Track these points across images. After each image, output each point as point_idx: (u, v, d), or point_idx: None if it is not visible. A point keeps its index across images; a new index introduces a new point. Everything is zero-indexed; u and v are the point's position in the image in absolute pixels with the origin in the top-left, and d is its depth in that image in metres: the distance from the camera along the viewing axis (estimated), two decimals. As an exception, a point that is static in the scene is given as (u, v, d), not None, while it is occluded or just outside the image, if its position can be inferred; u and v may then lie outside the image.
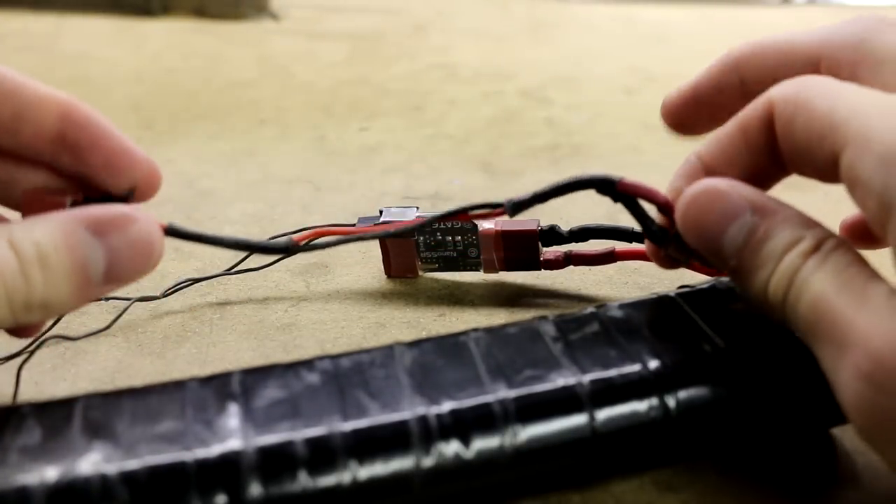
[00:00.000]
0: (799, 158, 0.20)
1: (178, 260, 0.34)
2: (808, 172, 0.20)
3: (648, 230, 0.22)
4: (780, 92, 0.20)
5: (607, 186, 0.21)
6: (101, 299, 0.29)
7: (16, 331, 0.23)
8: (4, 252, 0.18)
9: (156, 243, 0.20)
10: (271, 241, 0.22)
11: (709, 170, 0.22)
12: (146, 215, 0.20)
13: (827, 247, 0.18)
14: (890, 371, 0.16)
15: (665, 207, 0.22)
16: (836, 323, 0.17)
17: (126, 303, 0.30)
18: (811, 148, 0.19)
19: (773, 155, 0.21)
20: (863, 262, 0.18)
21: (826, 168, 0.19)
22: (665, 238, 0.22)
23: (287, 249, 0.22)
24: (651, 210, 0.22)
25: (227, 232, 0.36)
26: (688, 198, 0.20)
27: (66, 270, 0.19)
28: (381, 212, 0.31)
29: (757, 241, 0.19)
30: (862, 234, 0.24)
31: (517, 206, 0.21)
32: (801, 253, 0.19)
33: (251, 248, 0.22)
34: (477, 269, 0.31)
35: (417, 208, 0.31)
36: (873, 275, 0.18)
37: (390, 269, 0.32)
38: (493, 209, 0.22)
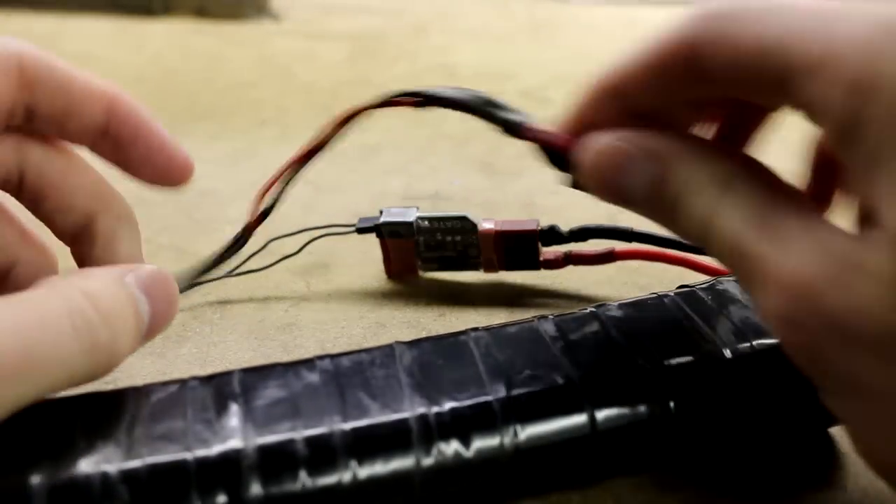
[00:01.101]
0: (730, 83, 0.18)
1: (179, 260, 0.34)
2: (737, 94, 0.18)
3: (551, 158, 0.22)
4: (704, 11, 0.18)
5: (513, 129, 0.22)
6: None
7: None
8: (85, 306, 0.18)
9: (177, 294, 0.21)
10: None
11: (614, 93, 0.20)
12: (167, 273, 0.21)
13: (732, 179, 0.18)
14: (803, 309, 0.16)
15: (567, 148, 0.21)
16: (751, 262, 0.17)
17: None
18: (745, 71, 0.17)
19: (689, 79, 0.19)
20: (774, 188, 0.18)
21: (766, 91, 0.17)
22: (567, 167, 0.21)
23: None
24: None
25: (228, 232, 0.36)
26: (584, 159, 0.20)
27: (129, 326, 0.19)
28: (381, 212, 0.31)
29: (660, 189, 0.19)
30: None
31: (431, 99, 0.22)
32: (706, 192, 0.18)
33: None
34: (477, 269, 0.31)
35: (418, 208, 0.31)
36: (786, 202, 0.17)
37: (390, 270, 0.32)
38: (411, 96, 0.23)
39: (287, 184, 0.25)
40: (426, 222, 0.30)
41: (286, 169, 0.26)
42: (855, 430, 0.17)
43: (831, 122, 0.16)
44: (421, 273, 0.32)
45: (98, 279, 0.19)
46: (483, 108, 0.22)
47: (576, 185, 0.21)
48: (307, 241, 0.32)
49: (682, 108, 0.20)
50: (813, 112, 0.16)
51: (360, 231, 0.31)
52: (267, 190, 0.26)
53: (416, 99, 0.23)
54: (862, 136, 0.15)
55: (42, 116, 0.21)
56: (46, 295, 0.18)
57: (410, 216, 0.30)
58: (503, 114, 0.22)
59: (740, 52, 0.17)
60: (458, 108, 0.22)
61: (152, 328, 0.20)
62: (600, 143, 0.20)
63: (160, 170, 0.23)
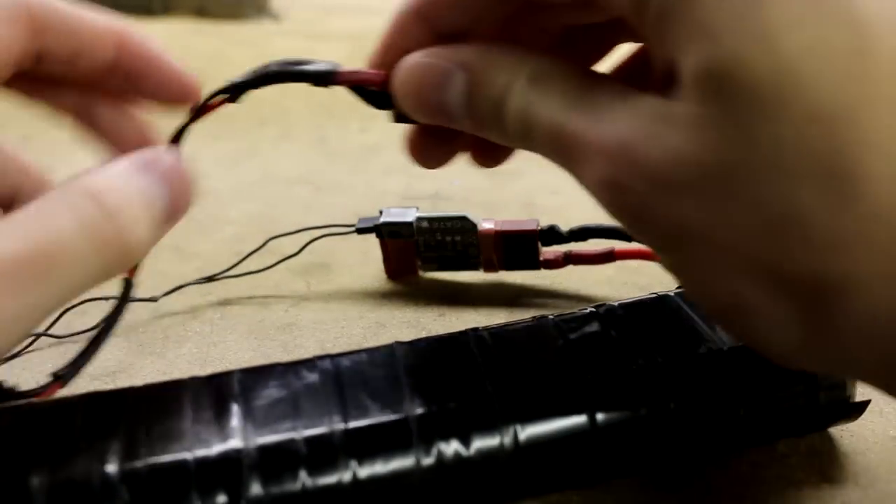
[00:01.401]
0: None
1: (179, 260, 0.34)
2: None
3: (369, 99, 0.21)
4: None
5: (326, 78, 0.21)
6: (100, 299, 0.29)
7: None
8: (88, 205, 0.18)
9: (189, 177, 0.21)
10: None
11: (422, 11, 0.20)
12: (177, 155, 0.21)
13: (545, 72, 0.18)
14: (624, 170, 0.16)
15: (382, 82, 0.21)
16: (571, 139, 0.17)
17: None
18: None
19: None
20: (587, 76, 0.18)
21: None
22: (388, 103, 0.21)
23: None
24: None
25: (228, 232, 0.36)
26: (397, 84, 0.20)
27: (139, 217, 0.19)
28: (381, 212, 0.31)
29: (477, 96, 0.19)
30: None
31: (238, 87, 0.22)
32: (521, 89, 0.18)
33: None
34: (477, 269, 0.31)
35: (417, 208, 0.31)
36: (599, 84, 0.18)
37: (390, 270, 0.32)
38: (219, 95, 0.22)
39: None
40: (426, 222, 0.30)
41: None
42: (690, 280, 0.17)
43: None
44: (421, 273, 0.32)
45: (102, 174, 0.19)
46: (290, 71, 0.21)
47: (399, 118, 0.21)
48: (307, 241, 0.32)
49: (496, 28, 0.21)
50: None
51: (360, 231, 0.31)
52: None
53: (225, 95, 0.21)
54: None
55: (52, 60, 0.21)
56: (51, 200, 0.18)
57: (410, 216, 0.30)
58: (310, 68, 0.21)
59: None
60: (266, 82, 0.21)
61: (171, 213, 0.20)
62: (410, 63, 0.20)
63: (173, 94, 0.23)
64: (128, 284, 0.21)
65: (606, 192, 0.17)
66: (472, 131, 0.20)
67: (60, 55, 0.21)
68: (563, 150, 0.18)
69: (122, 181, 0.19)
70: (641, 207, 0.17)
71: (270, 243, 0.32)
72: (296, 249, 0.32)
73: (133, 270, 0.21)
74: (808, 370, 0.17)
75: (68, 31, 0.21)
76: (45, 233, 0.17)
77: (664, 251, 0.17)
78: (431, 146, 0.23)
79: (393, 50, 0.21)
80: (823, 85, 0.15)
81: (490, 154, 0.24)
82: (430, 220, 0.30)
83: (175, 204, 0.20)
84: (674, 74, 0.16)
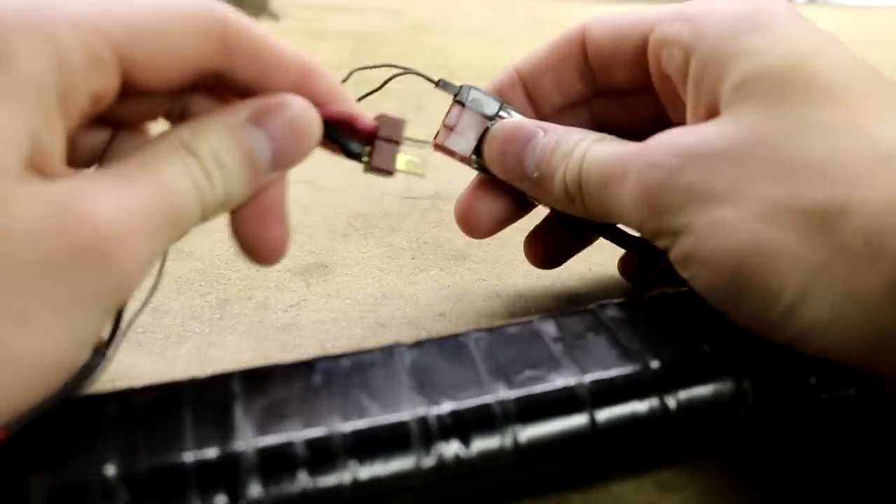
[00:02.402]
0: (607, 56, 0.26)
1: (178, 260, 0.34)
2: (616, 74, 0.26)
3: (348, 151, 0.24)
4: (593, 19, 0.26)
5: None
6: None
7: None
8: (186, 158, 0.20)
9: (313, 124, 0.22)
10: None
11: (523, 78, 0.27)
12: (300, 99, 0.21)
13: (606, 136, 0.24)
14: (663, 152, 0.21)
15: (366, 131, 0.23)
16: (624, 160, 0.22)
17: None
18: (619, 40, 0.25)
19: (580, 67, 0.27)
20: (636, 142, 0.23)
21: (633, 57, 0.25)
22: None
23: None
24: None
25: (227, 232, 0.36)
26: (491, 137, 0.26)
27: (238, 165, 0.20)
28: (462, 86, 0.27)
29: (551, 150, 0.25)
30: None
31: None
32: (587, 143, 0.24)
33: None
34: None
35: (503, 103, 0.27)
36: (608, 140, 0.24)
37: (441, 141, 0.27)
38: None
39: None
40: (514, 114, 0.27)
41: None
42: (710, 240, 0.20)
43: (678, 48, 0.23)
44: (468, 164, 0.28)
45: (201, 127, 0.20)
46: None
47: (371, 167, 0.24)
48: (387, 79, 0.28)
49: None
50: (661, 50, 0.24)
51: (443, 85, 0.27)
52: None
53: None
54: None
55: (232, 81, 0.21)
56: (168, 154, 0.20)
57: (500, 100, 0.27)
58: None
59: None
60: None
61: (279, 160, 0.21)
62: (506, 122, 0.26)
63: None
64: (99, 355, 0.20)
65: (645, 178, 0.21)
66: (531, 187, 0.25)
67: (242, 80, 0.21)
68: (611, 175, 0.23)
69: (216, 135, 0.20)
70: (673, 179, 0.20)
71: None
72: (297, 246, 0.32)
73: (106, 344, 0.20)
74: (802, 327, 0.18)
75: (255, 59, 0.21)
76: (170, 189, 0.19)
77: (679, 223, 0.20)
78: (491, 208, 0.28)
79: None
80: (841, 81, 0.20)
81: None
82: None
83: (283, 151, 0.21)
84: (714, 112, 0.21)
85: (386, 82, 0.25)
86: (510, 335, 0.22)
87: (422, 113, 0.59)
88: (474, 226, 0.28)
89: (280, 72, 0.22)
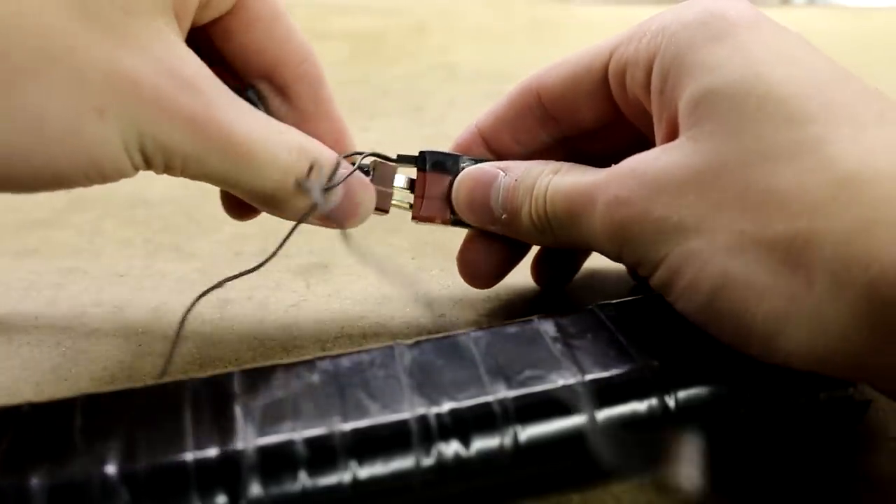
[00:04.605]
0: (568, 100, 0.26)
1: (178, 260, 0.34)
2: (582, 115, 0.26)
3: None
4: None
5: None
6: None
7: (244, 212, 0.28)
8: (293, 154, 0.24)
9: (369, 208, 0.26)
10: None
11: (483, 135, 0.28)
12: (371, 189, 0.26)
13: (565, 166, 0.25)
14: (630, 185, 0.21)
15: None
16: (588, 190, 0.22)
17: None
18: (576, 83, 0.25)
19: (539, 118, 0.27)
20: (594, 168, 0.24)
21: (596, 93, 0.25)
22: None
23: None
24: None
25: (227, 232, 0.36)
26: (457, 190, 0.27)
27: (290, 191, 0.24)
28: (421, 152, 0.28)
29: (514, 188, 0.25)
30: None
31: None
32: (547, 175, 0.24)
33: None
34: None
35: (460, 156, 0.28)
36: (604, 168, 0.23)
37: (419, 211, 0.28)
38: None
39: None
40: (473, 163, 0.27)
41: None
42: (683, 274, 0.20)
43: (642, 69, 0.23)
44: (448, 224, 0.28)
45: (321, 156, 0.24)
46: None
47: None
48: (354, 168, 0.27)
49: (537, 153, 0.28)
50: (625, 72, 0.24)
51: (401, 159, 0.28)
52: None
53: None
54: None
55: (238, 47, 0.25)
56: (291, 141, 0.24)
57: (456, 154, 0.28)
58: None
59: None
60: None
61: (331, 211, 0.25)
62: (468, 170, 0.27)
63: (318, 136, 0.25)
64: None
65: (614, 213, 0.21)
66: (504, 228, 0.26)
67: (254, 54, 0.25)
68: (577, 206, 0.23)
69: (318, 172, 0.24)
70: (644, 214, 0.20)
71: (269, 238, 0.32)
72: (297, 249, 0.32)
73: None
74: (785, 353, 0.18)
75: (269, 33, 0.25)
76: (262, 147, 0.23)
77: (654, 255, 0.21)
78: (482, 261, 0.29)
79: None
80: (796, 97, 0.19)
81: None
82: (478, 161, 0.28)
83: (334, 211, 0.25)
84: (675, 126, 0.21)
85: (353, 171, 0.26)
86: (510, 335, 0.22)
87: (422, 113, 0.59)
88: (476, 278, 0.29)
89: (287, 58, 0.25)
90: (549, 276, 0.30)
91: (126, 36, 0.20)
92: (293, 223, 0.24)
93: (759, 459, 0.21)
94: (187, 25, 0.23)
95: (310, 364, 0.20)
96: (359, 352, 0.21)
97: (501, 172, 0.26)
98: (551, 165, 0.25)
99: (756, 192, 0.19)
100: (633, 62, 0.23)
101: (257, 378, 0.20)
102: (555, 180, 0.24)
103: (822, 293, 0.17)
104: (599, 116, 0.26)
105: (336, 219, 0.25)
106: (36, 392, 0.25)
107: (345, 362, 0.20)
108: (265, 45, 0.25)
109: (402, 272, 0.33)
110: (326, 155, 0.25)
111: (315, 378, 0.20)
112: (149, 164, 0.21)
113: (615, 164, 0.22)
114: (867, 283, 0.16)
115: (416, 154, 0.27)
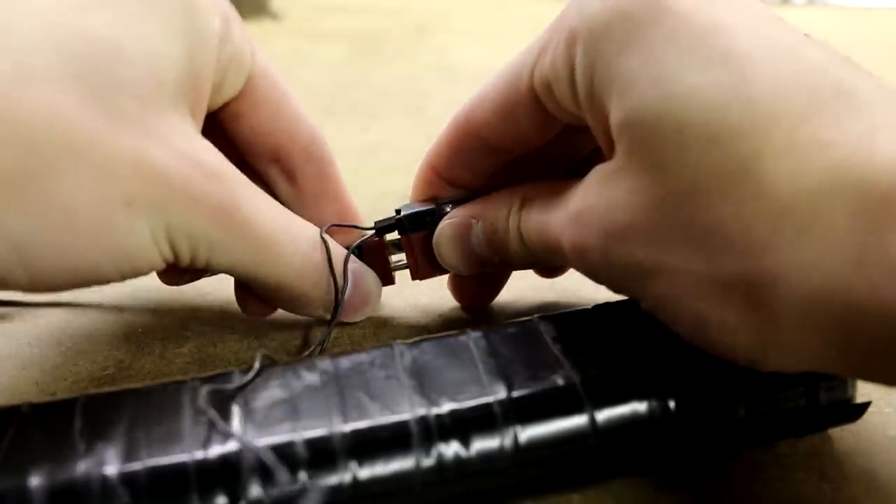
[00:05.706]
0: (510, 131, 0.24)
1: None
2: (531, 136, 0.24)
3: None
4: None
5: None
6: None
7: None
8: (308, 248, 0.25)
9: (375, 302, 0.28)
10: None
11: (438, 172, 0.27)
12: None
13: (528, 195, 0.24)
14: (584, 232, 0.20)
15: None
16: (553, 232, 0.22)
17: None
18: (510, 110, 0.23)
19: (484, 149, 0.25)
20: (559, 181, 0.23)
21: (536, 112, 0.23)
22: None
23: None
24: None
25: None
26: (438, 249, 0.26)
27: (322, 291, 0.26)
28: (397, 210, 0.28)
29: (491, 233, 0.25)
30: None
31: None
32: (514, 214, 0.24)
33: None
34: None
35: (435, 204, 0.28)
36: (567, 182, 0.22)
37: (417, 269, 0.28)
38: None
39: None
40: (449, 207, 0.27)
41: None
42: (661, 312, 0.20)
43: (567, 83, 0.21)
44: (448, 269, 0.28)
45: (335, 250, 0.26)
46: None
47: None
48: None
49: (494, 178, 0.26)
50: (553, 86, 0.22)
51: (380, 232, 0.28)
52: None
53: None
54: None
55: (247, 129, 0.25)
56: (300, 234, 0.25)
57: (430, 205, 0.27)
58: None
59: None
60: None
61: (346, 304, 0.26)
62: (442, 225, 0.26)
63: (325, 215, 0.27)
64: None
65: (578, 258, 0.21)
66: (494, 265, 0.26)
67: (258, 133, 0.26)
68: (549, 245, 0.22)
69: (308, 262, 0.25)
70: (604, 259, 0.20)
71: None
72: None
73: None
74: (776, 369, 0.18)
75: (274, 116, 0.25)
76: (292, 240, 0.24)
77: (634, 294, 0.20)
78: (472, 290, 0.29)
79: (421, 193, 0.28)
80: (714, 111, 0.17)
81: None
82: (454, 202, 0.27)
83: (349, 302, 0.27)
84: (612, 140, 0.20)
85: (347, 257, 0.27)
86: (510, 335, 0.22)
87: (422, 113, 0.59)
88: (468, 301, 0.30)
89: (294, 132, 0.26)
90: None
91: (147, 129, 0.20)
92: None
93: (760, 459, 0.21)
94: (202, 118, 0.23)
95: (310, 364, 0.20)
96: (359, 352, 0.21)
97: (474, 220, 0.25)
98: (517, 197, 0.24)
99: (699, 230, 0.17)
100: (554, 78, 0.21)
101: (257, 378, 0.20)
102: (523, 218, 0.23)
103: (790, 329, 0.16)
104: (545, 132, 0.24)
105: (349, 311, 0.27)
106: (36, 392, 0.25)
107: (345, 362, 0.20)
108: (273, 125, 0.26)
109: (402, 272, 0.33)
110: (332, 246, 0.26)
111: (315, 378, 0.20)
112: (176, 254, 0.22)
113: (584, 167, 0.22)
114: (833, 315, 0.16)
115: (392, 218, 0.27)
